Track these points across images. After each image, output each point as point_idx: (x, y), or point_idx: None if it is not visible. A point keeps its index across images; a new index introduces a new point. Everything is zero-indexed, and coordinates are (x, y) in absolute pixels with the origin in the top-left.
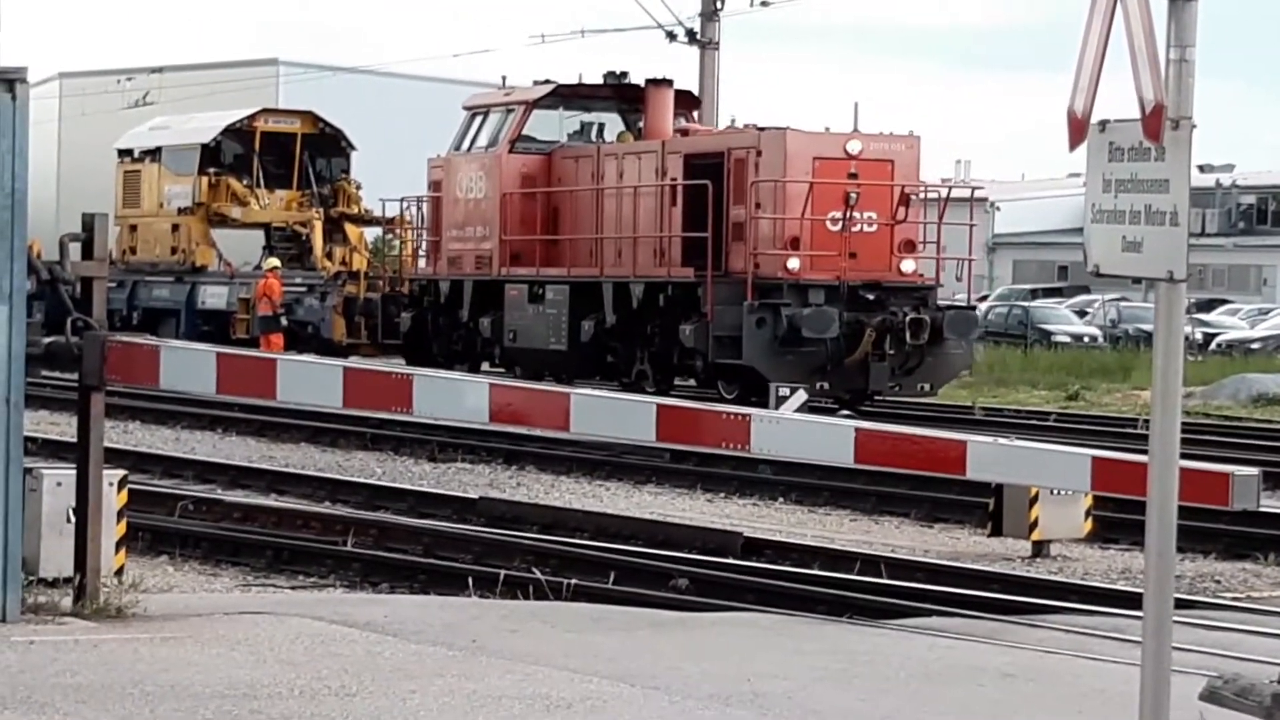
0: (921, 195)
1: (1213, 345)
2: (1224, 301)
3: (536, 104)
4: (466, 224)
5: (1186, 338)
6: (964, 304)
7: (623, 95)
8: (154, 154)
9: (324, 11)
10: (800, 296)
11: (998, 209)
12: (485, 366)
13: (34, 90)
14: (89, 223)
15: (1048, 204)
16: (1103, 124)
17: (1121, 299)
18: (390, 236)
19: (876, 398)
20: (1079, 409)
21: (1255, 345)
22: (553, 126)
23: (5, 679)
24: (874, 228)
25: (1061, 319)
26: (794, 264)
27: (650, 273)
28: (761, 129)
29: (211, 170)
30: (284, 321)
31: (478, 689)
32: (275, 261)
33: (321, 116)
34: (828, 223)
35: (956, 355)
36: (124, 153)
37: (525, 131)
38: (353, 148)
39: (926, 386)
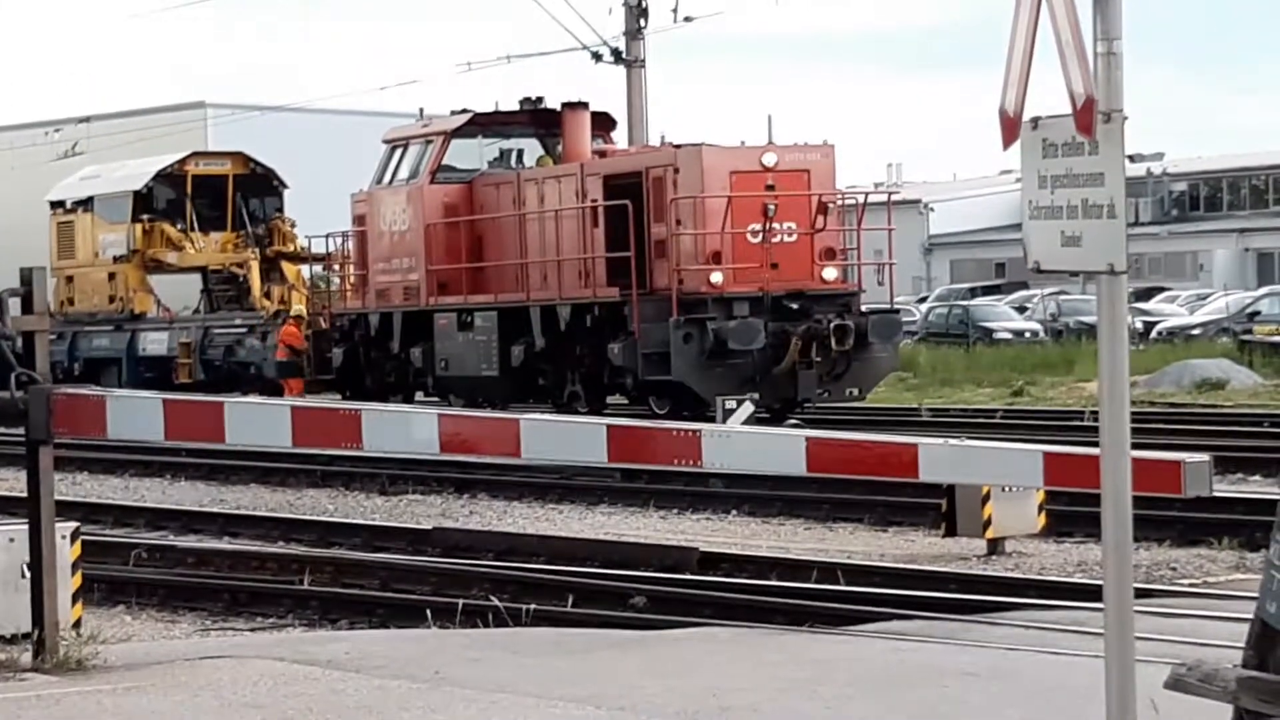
0: (839, 203)
1: (1153, 334)
2: (1162, 289)
3: (455, 134)
4: (392, 256)
5: (1128, 328)
6: (887, 307)
7: (540, 120)
8: (86, 204)
9: (247, 52)
10: (725, 309)
11: (931, 210)
12: (419, 396)
13: None
14: (27, 277)
15: (981, 202)
16: (1035, 121)
17: (1060, 293)
18: (327, 272)
19: (807, 405)
20: (1025, 404)
21: (1196, 331)
22: (472, 155)
23: None
24: (794, 238)
25: (1002, 316)
26: (717, 278)
27: (576, 294)
28: (678, 146)
29: (145, 217)
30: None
31: None
32: (300, 309)
33: (252, 157)
34: (748, 235)
35: (882, 359)
36: (56, 204)
37: (445, 161)
38: (285, 186)
39: (855, 391)
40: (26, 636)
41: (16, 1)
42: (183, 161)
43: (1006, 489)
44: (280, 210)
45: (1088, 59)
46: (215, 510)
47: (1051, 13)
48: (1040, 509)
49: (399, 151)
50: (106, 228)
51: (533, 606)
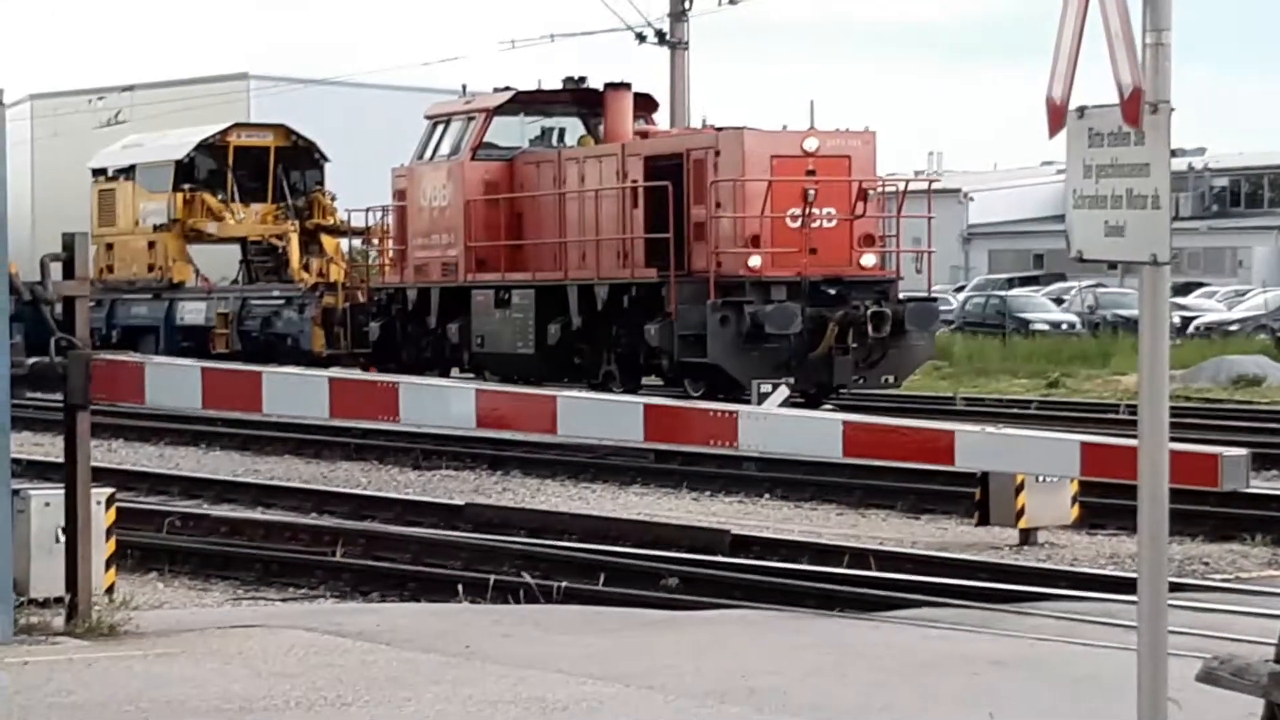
0: (880, 189)
1: (1190, 328)
2: (1200, 284)
3: (497, 111)
4: (432, 232)
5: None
6: (924, 295)
7: (582, 99)
8: (128, 172)
9: (293, 26)
10: (763, 293)
11: (971, 200)
12: (454, 372)
13: (8, 112)
14: (69, 242)
15: (1021, 193)
16: (1081, 110)
17: (1098, 285)
18: (366, 246)
19: (842, 391)
20: (1060, 396)
21: (1233, 327)
22: (514, 133)
23: (0, 701)
24: (833, 223)
25: (1039, 307)
26: (755, 262)
27: (614, 274)
28: (719, 129)
29: (186, 186)
30: None
31: (473, 694)
32: None
33: (294, 129)
34: (787, 220)
35: (918, 347)
36: (98, 172)
37: (487, 138)
38: (326, 159)
39: (890, 379)
40: (60, 600)
41: None
42: (225, 132)
43: (1040, 479)
44: (321, 183)
45: (1136, 49)
46: (249, 480)
47: (1101, 2)
48: (1074, 500)
49: (441, 127)
50: (147, 196)
51: (564, 584)
